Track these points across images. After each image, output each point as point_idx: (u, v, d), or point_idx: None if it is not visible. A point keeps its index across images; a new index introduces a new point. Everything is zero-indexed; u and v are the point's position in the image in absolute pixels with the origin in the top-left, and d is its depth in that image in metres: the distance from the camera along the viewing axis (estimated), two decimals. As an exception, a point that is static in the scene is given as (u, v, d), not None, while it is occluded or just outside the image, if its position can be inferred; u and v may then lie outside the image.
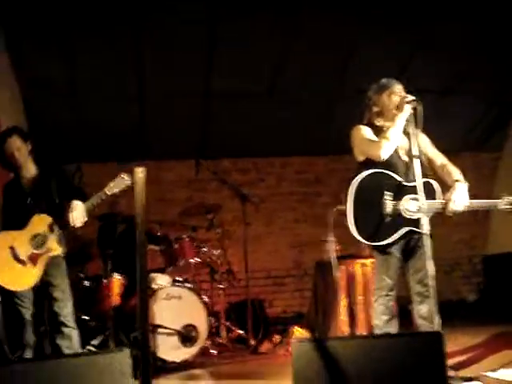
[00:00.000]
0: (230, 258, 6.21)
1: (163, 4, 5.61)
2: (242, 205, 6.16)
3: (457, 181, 3.81)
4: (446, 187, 3.85)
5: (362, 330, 5.49)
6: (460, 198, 3.74)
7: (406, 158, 3.81)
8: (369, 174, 3.68)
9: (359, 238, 3.62)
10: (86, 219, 4.10)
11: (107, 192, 4.10)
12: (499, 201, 3.85)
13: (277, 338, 5.84)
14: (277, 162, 7.59)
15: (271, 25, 6.03)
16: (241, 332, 5.85)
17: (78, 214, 4.04)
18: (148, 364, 2.07)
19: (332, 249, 4.91)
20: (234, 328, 5.87)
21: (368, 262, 5.67)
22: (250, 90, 6.63)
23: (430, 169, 3.96)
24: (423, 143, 3.95)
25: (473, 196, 3.84)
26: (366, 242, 3.69)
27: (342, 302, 5.56)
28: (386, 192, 3.65)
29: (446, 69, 6.82)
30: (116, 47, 5.86)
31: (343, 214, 3.70)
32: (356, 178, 3.67)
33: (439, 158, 3.99)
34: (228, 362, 5.25)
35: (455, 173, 3.89)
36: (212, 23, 5.89)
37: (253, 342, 5.73)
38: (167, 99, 6.49)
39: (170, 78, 6.28)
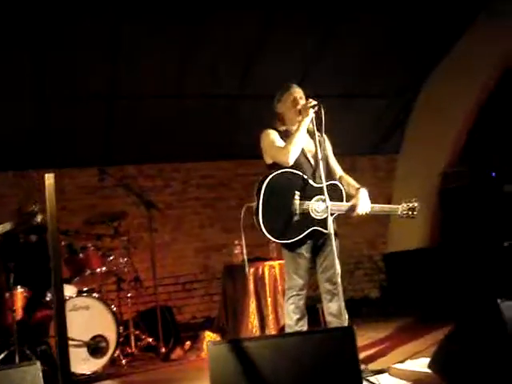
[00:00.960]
0: (137, 265, 6.13)
1: (65, 4, 5.45)
2: (148, 211, 6.10)
3: (358, 188, 3.99)
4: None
5: (271, 332, 5.57)
6: (365, 203, 3.92)
7: (312, 161, 3.94)
8: (279, 173, 3.77)
9: (268, 235, 3.67)
10: None
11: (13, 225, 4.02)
12: (398, 206, 4.06)
13: (188, 344, 5.82)
14: (182, 167, 7.55)
15: (175, 29, 6.00)
16: (150, 340, 5.78)
17: None
18: (68, 377, 2.02)
19: (243, 250, 4.95)
20: (143, 336, 5.79)
21: (276, 263, 5.78)
22: (154, 93, 6.57)
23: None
24: (328, 148, 4.12)
25: (371, 198, 4.02)
26: (275, 240, 3.75)
27: (252, 305, 5.63)
28: (295, 191, 3.74)
29: (345, 73, 7.05)
30: (14, 49, 5.60)
31: (252, 213, 3.74)
32: (267, 177, 3.73)
33: (338, 170, 4.18)
34: (139, 371, 5.17)
35: (354, 182, 4.09)
36: (116, 25, 5.78)
37: (163, 350, 5.67)
38: (69, 104, 6.30)
39: (71, 82, 6.10)
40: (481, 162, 7.23)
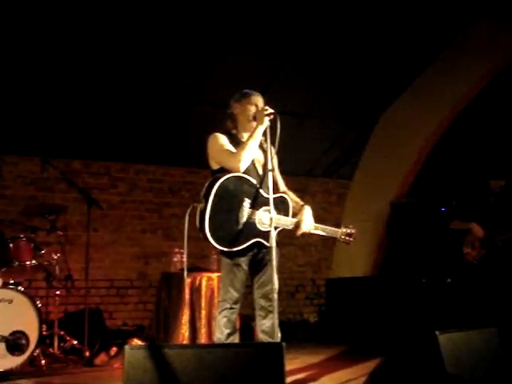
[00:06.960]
0: (71, 264, 5.86)
1: None
2: (89, 209, 5.85)
3: (303, 205, 3.90)
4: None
5: (203, 345, 5.39)
6: (309, 221, 3.84)
7: (260, 170, 3.80)
8: (232, 177, 3.60)
9: (211, 239, 3.46)
10: None
11: None
12: (338, 230, 4.04)
13: (113, 350, 5.57)
14: (131, 168, 7.31)
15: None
16: (75, 343, 5.50)
17: None
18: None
19: (183, 257, 4.76)
20: (68, 338, 5.52)
21: (214, 275, 5.62)
22: (106, 92, 6.33)
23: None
24: (275, 162, 3.97)
25: (321, 221, 3.93)
26: (216, 245, 3.54)
27: (185, 316, 5.43)
28: (245, 198, 3.60)
29: (305, 93, 6.98)
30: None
31: (195, 214, 3.56)
32: (219, 178, 3.56)
33: (281, 184, 4.05)
34: (58, 373, 4.92)
35: (298, 198, 4.00)
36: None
37: (87, 354, 5.41)
38: (13, 92, 6.01)
39: (14, 68, 5.81)
40: (433, 196, 7.23)
